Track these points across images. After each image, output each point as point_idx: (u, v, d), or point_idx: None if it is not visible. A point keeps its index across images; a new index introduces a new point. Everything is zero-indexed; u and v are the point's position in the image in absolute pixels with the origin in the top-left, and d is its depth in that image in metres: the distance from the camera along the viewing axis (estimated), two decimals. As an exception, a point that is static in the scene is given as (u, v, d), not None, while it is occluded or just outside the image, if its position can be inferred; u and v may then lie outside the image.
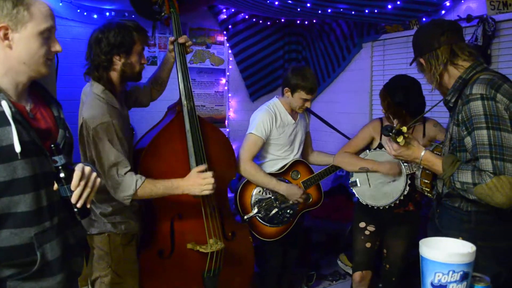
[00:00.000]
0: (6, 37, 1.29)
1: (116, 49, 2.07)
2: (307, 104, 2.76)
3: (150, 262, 2.26)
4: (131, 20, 2.18)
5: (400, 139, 1.77)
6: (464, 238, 1.59)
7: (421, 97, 2.57)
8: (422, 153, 1.82)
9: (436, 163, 1.79)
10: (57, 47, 1.40)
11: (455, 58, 1.80)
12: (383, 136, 1.89)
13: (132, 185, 2.00)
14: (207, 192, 2.15)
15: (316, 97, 5.01)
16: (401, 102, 2.50)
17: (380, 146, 2.71)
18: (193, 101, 2.37)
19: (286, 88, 2.77)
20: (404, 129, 1.77)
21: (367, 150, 2.72)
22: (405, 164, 2.56)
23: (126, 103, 2.31)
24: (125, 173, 2.01)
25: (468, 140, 1.69)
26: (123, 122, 2.10)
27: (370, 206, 2.64)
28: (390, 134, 1.78)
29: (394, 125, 1.80)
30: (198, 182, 2.13)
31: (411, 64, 2.00)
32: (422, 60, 1.88)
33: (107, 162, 1.98)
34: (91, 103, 2.04)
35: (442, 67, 1.81)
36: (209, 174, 2.16)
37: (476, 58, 1.81)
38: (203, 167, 2.19)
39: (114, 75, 2.12)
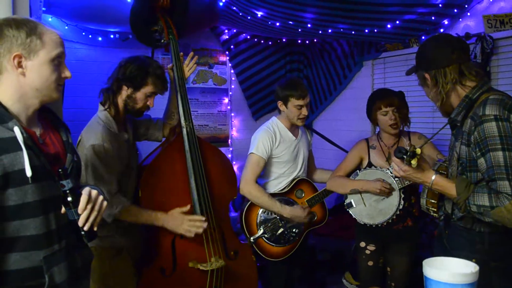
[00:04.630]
0: (20, 65, 1.34)
1: (126, 81, 2.20)
2: (304, 112, 2.77)
3: (152, 279, 2.28)
4: (160, 66, 2.30)
5: (414, 161, 1.72)
6: (477, 260, 1.56)
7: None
8: (433, 177, 1.78)
9: (448, 187, 1.74)
10: (67, 73, 1.45)
11: (462, 78, 1.77)
12: (394, 157, 1.85)
13: (119, 205, 2.11)
14: (190, 234, 2.24)
15: (318, 116, 5.05)
16: (401, 96, 2.66)
17: (370, 165, 2.75)
18: (192, 122, 2.43)
19: (279, 102, 2.81)
20: (418, 150, 1.72)
21: (358, 170, 2.76)
22: (396, 179, 2.58)
23: (134, 133, 2.39)
24: (115, 193, 2.12)
25: (481, 161, 1.66)
26: (118, 145, 2.17)
27: (368, 225, 2.66)
28: (405, 156, 1.72)
29: (407, 147, 1.75)
30: (180, 221, 2.24)
31: (409, 74, 1.97)
32: (427, 75, 1.84)
33: (96, 182, 2.05)
34: (90, 123, 2.19)
35: (451, 85, 1.78)
36: (196, 217, 2.27)
37: (481, 78, 1.80)
38: (186, 208, 2.28)
39: (120, 101, 2.25)
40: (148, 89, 2.23)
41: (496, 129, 1.61)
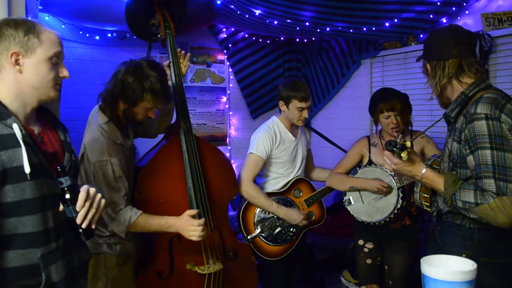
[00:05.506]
0: (17, 62, 1.36)
1: (122, 96, 2.06)
2: (305, 114, 2.77)
3: (150, 282, 2.25)
4: (160, 79, 2.06)
5: (404, 155, 1.74)
6: (468, 255, 1.58)
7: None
8: (423, 171, 1.80)
9: (437, 181, 1.77)
10: (65, 73, 1.45)
11: (461, 73, 1.78)
12: (385, 150, 1.87)
13: (126, 221, 2.03)
14: (194, 238, 2.15)
15: (316, 114, 5.05)
16: (404, 99, 2.66)
17: (370, 162, 2.75)
18: (190, 121, 2.39)
19: (281, 102, 2.81)
20: (408, 144, 1.75)
21: (357, 168, 2.77)
22: (395, 178, 2.59)
23: (133, 131, 2.31)
24: (119, 210, 2.03)
25: (470, 159, 1.68)
26: (123, 157, 2.09)
27: (366, 222, 2.66)
28: (394, 149, 1.75)
29: (398, 140, 1.77)
30: (189, 225, 2.14)
31: (417, 60, 1.99)
32: (428, 65, 1.87)
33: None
34: (93, 134, 2.05)
35: (447, 79, 1.79)
36: (201, 221, 2.16)
37: (481, 75, 1.80)
38: (194, 211, 2.19)
39: (119, 111, 2.12)
40: (145, 104, 2.07)
41: (486, 128, 1.63)
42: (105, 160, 1.99)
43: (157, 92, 2.05)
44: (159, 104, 2.12)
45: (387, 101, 2.64)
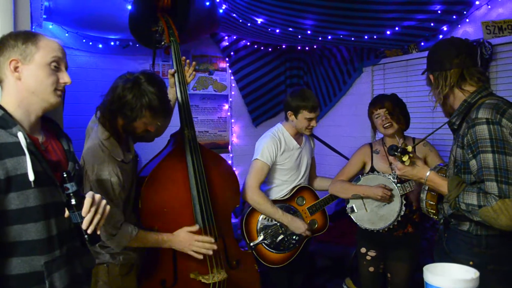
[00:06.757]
0: (16, 69, 1.39)
1: (120, 113, 2.01)
2: (313, 123, 2.79)
3: None
4: (159, 96, 2.00)
5: (405, 158, 1.79)
6: (475, 263, 1.60)
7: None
8: (428, 174, 1.84)
9: (441, 184, 1.80)
10: (65, 79, 1.47)
11: (463, 82, 1.83)
12: (389, 155, 1.90)
13: (128, 233, 2.01)
14: (199, 256, 2.19)
15: (318, 121, 5.05)
16: (394, 98, 2.69)
17: (372, 169, 2.75)
18: (194, 130, 2.39)
19: (289, 112, 2.81)
20: (410, 148, 1.79)
21: (360, 175, 2.77)
22: (398, 185, 2.60)
23: (132, 137, 2.27)
24: (121, 225, 2.00)
25: (473, 163, 1.71)
26: (123, 173, 2.04)
27: (369, 230, 2.66)
28: (396, 153, 1.79)
29: (399, 145, 1.81)
30: (189, 242, 2.18)
31: (423, 73, 2.03)
32: (431, 76, 1.92)
33: None
34: (93, 148, 2.01)
35: (448, 89, 1.84)
36: (207, 239, 2.21)
37: (483, 83, 1.85)
38: (195, 228, 2.22)
39: (118, 126, 2.08)
40: (144, 120, 2.03)
41: (487, 132, 1.66)
42: (104, 178, 1.95)
43: (156, 109, 2.01)
44: (158, 121, 2.09)
45: (376, 102, 2.73)
